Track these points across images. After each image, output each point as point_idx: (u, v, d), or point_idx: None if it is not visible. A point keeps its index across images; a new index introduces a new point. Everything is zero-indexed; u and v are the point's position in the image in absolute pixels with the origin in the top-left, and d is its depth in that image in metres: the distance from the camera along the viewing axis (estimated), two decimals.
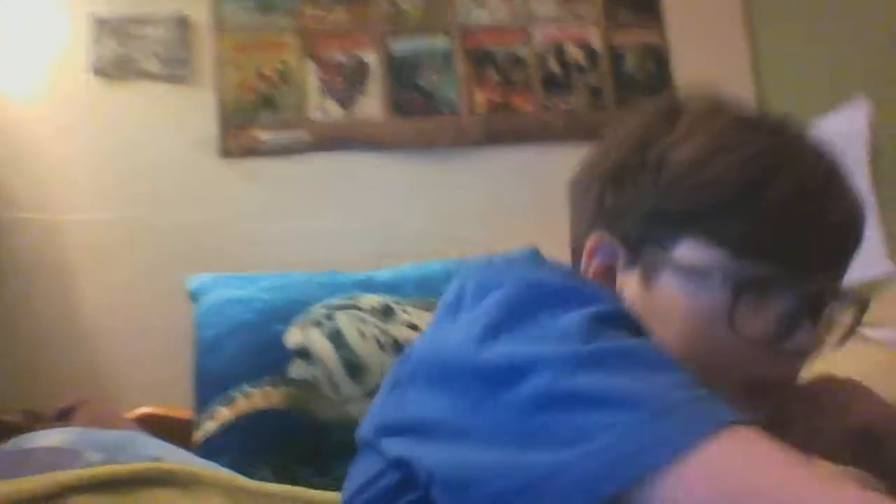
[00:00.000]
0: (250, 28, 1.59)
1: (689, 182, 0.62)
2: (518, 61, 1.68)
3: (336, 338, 1.20)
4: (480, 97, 1.65)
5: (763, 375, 0.61)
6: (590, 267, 0.67)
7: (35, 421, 1.20)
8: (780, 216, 0.59)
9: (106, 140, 1.49)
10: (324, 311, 1.23)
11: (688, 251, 0.61)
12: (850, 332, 0.66)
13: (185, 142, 1.52)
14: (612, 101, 1.69)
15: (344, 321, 1.22)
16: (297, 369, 1.19)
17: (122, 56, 1.52)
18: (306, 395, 1.17)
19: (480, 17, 1.68)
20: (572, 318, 0.49)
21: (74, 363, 1.38)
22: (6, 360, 1.34)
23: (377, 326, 1.22)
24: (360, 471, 0.57)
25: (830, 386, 0.69)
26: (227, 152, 1.53)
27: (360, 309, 1.24)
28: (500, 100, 1.65)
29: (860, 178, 1.39)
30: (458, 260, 1.32)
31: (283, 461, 1.14)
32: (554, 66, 1.69)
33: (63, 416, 1.06)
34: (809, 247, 0.60)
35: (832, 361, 1.13)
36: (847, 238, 0.63)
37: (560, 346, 0.47)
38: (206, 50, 1.56)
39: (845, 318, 0.66)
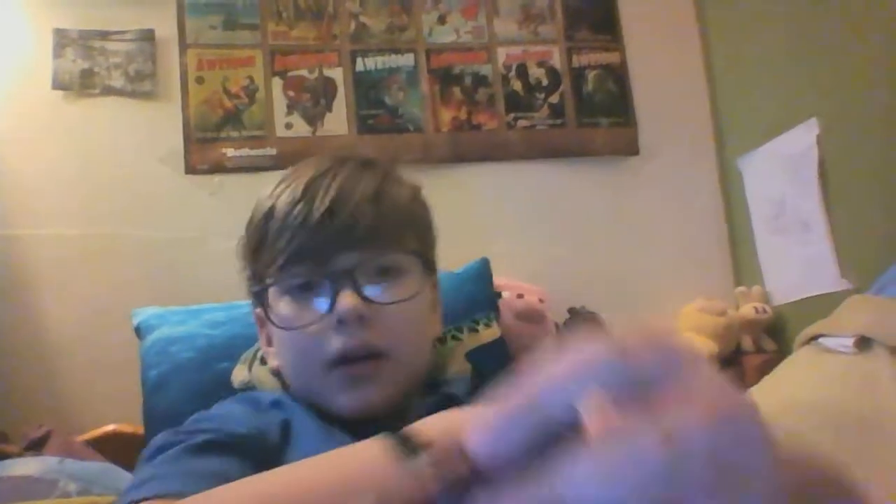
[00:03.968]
0: (216, 44, 1.58)
1: (243, 248, 0.85)
2: (482, 80, 1.71)
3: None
4: (445, 115, 1.67)
5: (334, 348, 0.77)
6: (261, 337, 0.89)
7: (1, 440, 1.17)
8: (273, 245, 0.79)
9: (69, 155, 1.46)
10: None
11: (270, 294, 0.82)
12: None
13: (151, 158, 1.50)
14: (573, 119, 1.73)
15: None
16: None
17: (85, 70, 1.49)
18: None
19: (445, 36, 1.71)
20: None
21: (37, 379, 1.35)
22: None
23: None
24: None
25: None
26: (193, 168, 1.52)
27: None
28: (465, 118, 1.68)
29: (811, 197, 1.45)
30: None
31: None
32: (516, 86, 1.72)
33: (33, 447, 1.03)
34: (301, 250, 0.77)
35: (796, 369, 1.18)
36: (329, 231, 0.78)
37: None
38: (171, 65, 1.54)
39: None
